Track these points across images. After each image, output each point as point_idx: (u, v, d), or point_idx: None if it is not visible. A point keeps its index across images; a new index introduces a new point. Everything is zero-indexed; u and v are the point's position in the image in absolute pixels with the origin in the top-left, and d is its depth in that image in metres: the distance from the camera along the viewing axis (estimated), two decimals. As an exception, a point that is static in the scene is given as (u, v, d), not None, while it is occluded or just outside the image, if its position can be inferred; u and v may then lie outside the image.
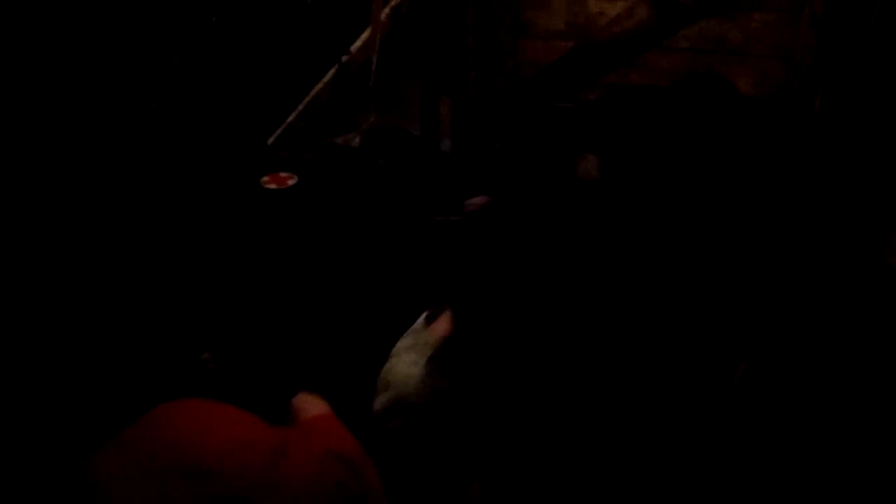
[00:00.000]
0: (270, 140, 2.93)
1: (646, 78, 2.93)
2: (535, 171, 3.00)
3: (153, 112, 2.41)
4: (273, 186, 2.33)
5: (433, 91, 3.10)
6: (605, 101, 2.94)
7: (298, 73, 3.21)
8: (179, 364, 1.68)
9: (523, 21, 2.97)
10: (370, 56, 3.07)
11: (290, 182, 2.32)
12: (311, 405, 1.17)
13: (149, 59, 2.57)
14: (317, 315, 1.96)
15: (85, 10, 2.24)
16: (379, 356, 1.63)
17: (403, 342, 1.63)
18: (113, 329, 1.94)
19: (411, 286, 2.06)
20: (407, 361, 1.56)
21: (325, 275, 2.11)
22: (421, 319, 1.65)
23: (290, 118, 3.09)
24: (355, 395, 1.53)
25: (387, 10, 3.07)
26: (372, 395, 1.57)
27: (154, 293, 2.05)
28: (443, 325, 1.56)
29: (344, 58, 3.09)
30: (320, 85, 3.15)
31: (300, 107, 3.10)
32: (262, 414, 1.07)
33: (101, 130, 2.28)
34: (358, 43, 3.13)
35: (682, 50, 2.86)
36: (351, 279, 2.14)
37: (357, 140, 2.83)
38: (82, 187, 2.14)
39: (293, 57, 3.23)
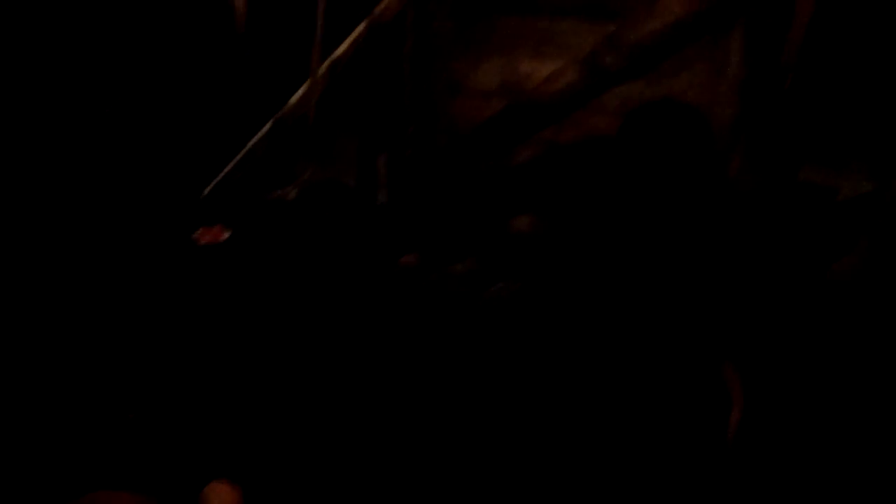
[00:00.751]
0: (205, 193, 2.91)
1: (577, 136, 3.04)
2: (472, 226, 3.05)
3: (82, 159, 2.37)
4: (206, 241, 2.31)
5: (370, 145, 3.15)
6: (542, 160, 3.03)
7: (236, 126, 3.21)
8: (102, 419, 1.63)
9: (458, 79, 3.06)
10: (307, 110, 3.11)
11: (224, 236, 2.30)
12: (220, 497, 1.14)
13: (81, 106, 2.54)
14: (245, 378, 1.93)
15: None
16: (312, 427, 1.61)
17: None
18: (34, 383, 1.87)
19: (346, 345, 2.05)
20: None
21: (258, 334, 2.09)
22: None
23: (226, 170, 3.09)
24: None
25: (325, 64, 3.12)
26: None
27: (75, 348, 1.98)
28: None
29: (281, 111, 3.12)
30: (257, 137, 3.16)
31: (236, 159, 3.10)
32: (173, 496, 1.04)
33: (26, 179, 2.24)
34: (296, 96, 3.16)
35: (613, 110, 2.98)
36: (285, 339, 2.12)
37: (293, 193, 2.84)
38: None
39: (231, 109, 3.24)
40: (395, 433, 1.68)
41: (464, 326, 2.34)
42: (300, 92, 3.15)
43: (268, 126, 3.14)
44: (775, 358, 2.09)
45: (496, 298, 2.74)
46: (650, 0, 2.81)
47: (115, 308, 2.07)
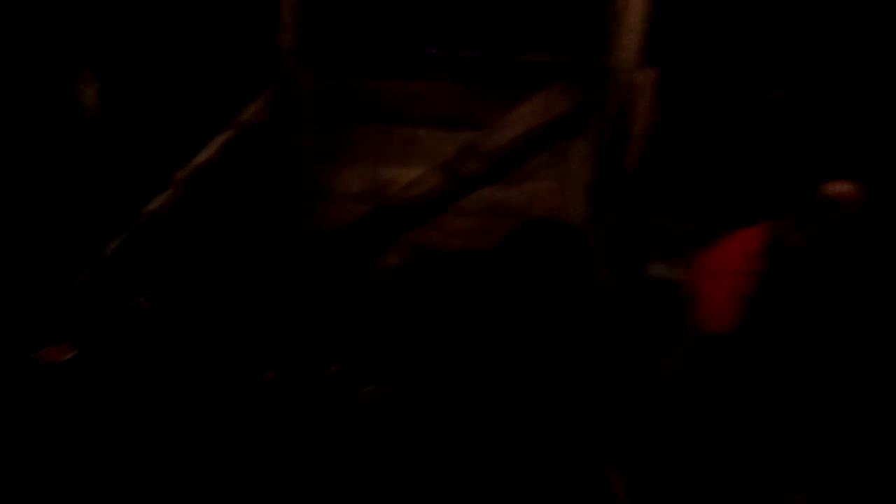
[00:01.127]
0: (53, 303, 2.75)
1: (441, 238, 3.13)
2: (339, 330, 3.04)
3: None
4: (48, 360, 2.17)
5: (234, 250, 3.11)
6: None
7: (91, 230, 3.10)
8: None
9: (324, 185, 3.10)
10: (168, 215, 3.05)
11: (68, 356, 2.17)
12: None
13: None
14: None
15: None
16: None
17: None
18: None
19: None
20: None
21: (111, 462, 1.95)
22: None
23: (80, 277, 2.95)
24: None
25: (188, 169, 3.09)
26: None
27: None
28: None
29: (140, 216, 3.05)
30: (114, 243, 3.05)
31: (91, 266, 2.97)
32: None
33: None
34: (157, 201, 3.09)
35: (473, 212, 3.10)
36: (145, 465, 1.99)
37: (149, 302, 2.73)
38: None
39: (84, 212, 3.12)
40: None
41: (329, 435, 2.30)
42: (161, 197, 3.09)
43: (128, 231, 3.04)
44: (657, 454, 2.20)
45: (366, 402, 2.72)
46: (505, 111, 3.00)
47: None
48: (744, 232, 2.40)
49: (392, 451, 2.22)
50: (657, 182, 3.03)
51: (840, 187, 2.21)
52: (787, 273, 2.26)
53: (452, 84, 3.01)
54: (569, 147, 3.06)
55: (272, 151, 3.07)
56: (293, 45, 2.92)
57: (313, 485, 2.08)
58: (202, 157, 3.09)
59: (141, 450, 2.01)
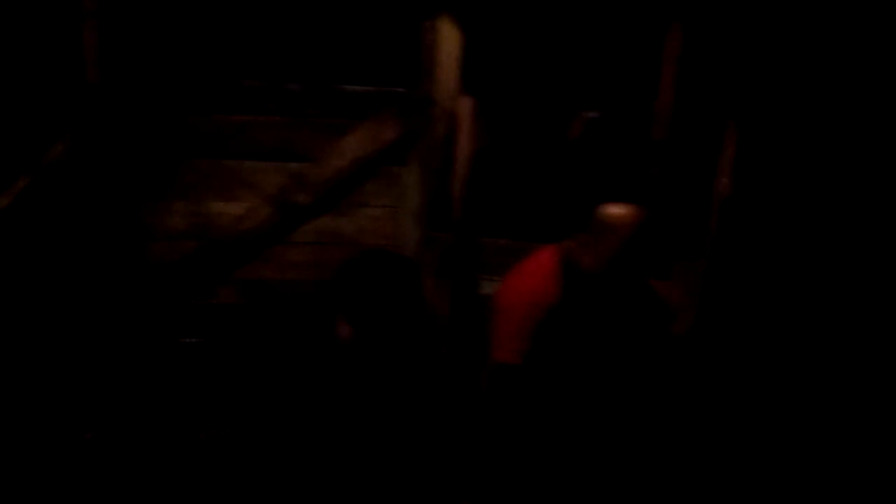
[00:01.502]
0: None
1: (275, 271, 3.10)
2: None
3: None
4: None
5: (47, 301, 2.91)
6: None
7: None
8: None
9: (149, 224, 2.98)
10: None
11: None
12: None
13: None
14: None
15: None
16: None
17: None
18: None
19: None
20: None
21: None
22: None
23: None
24: None
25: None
26: None
27: None
28: None
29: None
30: None
31: None
32: None
33: None
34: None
35: (307, 243, 3.10)
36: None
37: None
38: None
39: None
40: None
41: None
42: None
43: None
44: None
45: (205, 445, 2.64)
46: (332, 142, 3.03)
47: None
48: (538, 254, 2.38)
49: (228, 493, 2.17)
50: (487, 203, 3.18)
51: (614, 210, 2.19)
52: (577, 296, 2.24)
53: (277, 116, 3.01)
54: (399, 175, 3.15)
55: (86, 194, 2.91)
56: (98, 79, 2.80)
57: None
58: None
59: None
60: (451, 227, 3.12)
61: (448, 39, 2.91)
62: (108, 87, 2.85)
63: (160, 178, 3.00)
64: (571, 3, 3.18)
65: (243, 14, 2.99)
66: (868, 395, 2.92)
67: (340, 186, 3.06)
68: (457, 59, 2.99)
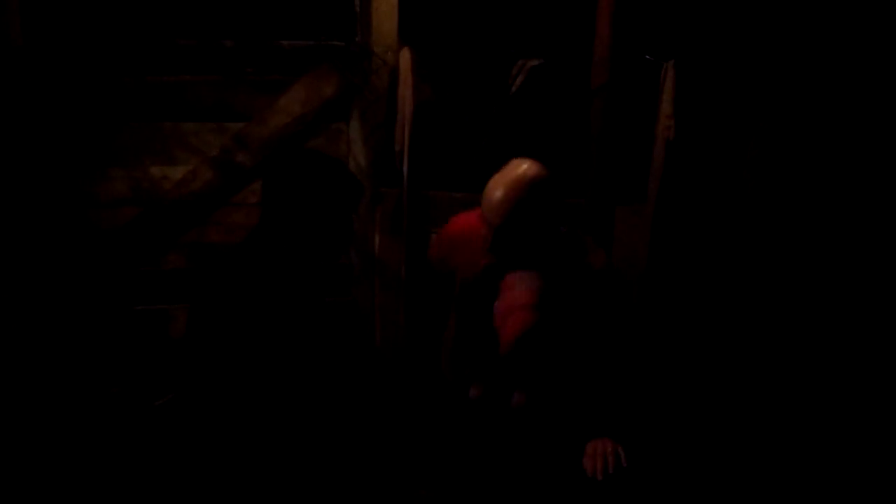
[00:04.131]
0: None
1: (222, 234, 3.06)
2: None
3: None
4: None
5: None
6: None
7: None
8: None
9: (89, 191, 2.91)
10: None
11: None
12: None
13: None
14: None
15: None
16: None
17: None
18: None
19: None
20: None
21: None
22: None
23: None
24: None
25: None
26: None
27: None
28: None
29: None
30: None
31: None
32: None
33: None
34: None
35: (252, 204, 3.06)
36: None
37: None
38: None
39: None
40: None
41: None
42: None
43: None
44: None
45: (158, 412, 2.63)
46: (272, 99, 2.97)
47: None
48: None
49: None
50: (434, 156, 3.16)
51: (509, 166, 2.08)
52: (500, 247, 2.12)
53: (214, 75, 2.94)
54: (342, 131, 3.11)
55: (16, 164, 2.82)
56: (23, 42, 2.69)
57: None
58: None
59: None
60: (397, 182, 3.11)
61: (384, -11, 2.86)
62: (33, 50, 2.75)
63: (96, 143, 2.91)
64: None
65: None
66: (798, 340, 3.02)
67: (282, 145, 3.02)
68: (394, 7, 2.95)
